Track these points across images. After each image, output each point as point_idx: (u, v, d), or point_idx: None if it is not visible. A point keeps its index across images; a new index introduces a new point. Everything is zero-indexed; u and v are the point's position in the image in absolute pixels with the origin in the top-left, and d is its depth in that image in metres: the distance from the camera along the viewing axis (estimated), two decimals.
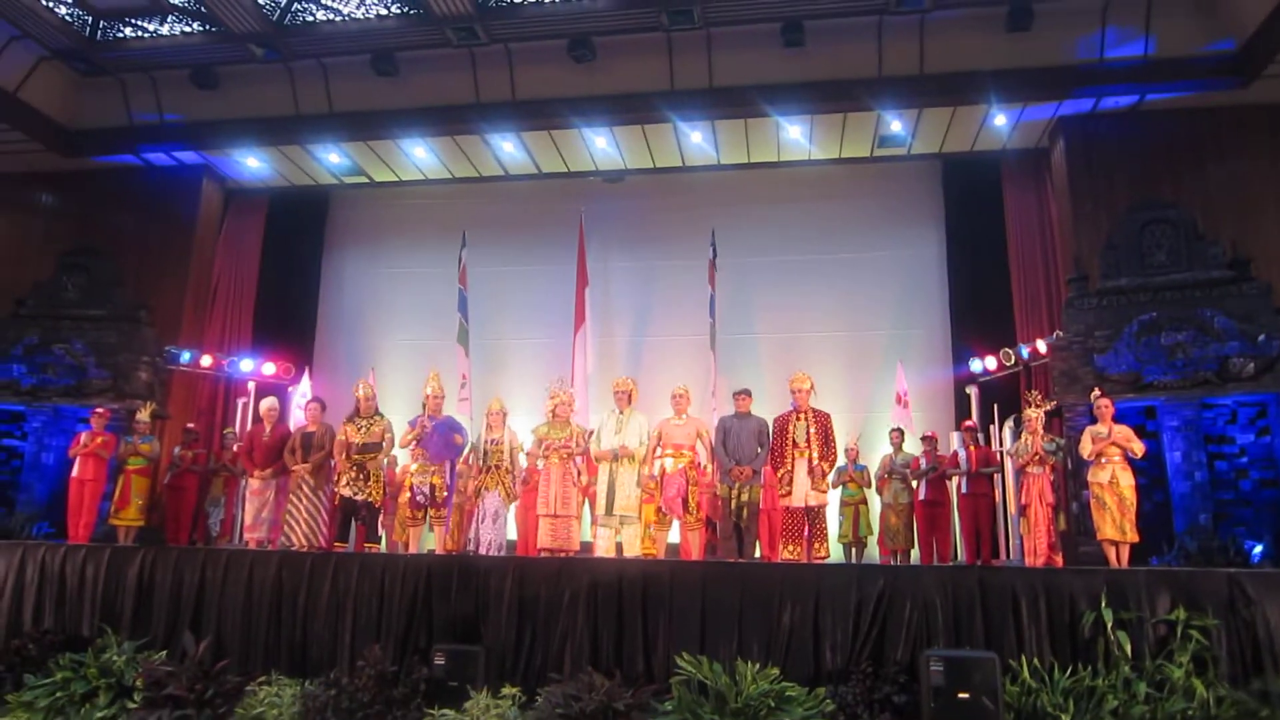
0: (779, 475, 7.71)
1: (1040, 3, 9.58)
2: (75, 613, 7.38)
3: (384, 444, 8.04)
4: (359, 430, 7.94)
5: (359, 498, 7.81)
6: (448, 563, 7.02)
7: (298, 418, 10.19)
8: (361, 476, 7.84)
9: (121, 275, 11.34)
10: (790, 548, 7.58)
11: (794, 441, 7.62)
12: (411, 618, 6.79)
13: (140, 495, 9.28)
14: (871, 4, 9.70)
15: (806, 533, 7.98)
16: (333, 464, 8.21)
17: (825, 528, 7.90)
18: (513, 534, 8.79)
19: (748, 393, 7.99)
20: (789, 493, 7.62)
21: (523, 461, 8.47)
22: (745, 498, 7.66)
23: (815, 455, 7.57)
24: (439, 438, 7.93)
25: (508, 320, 12.36)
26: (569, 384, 9.22)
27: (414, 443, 8.04)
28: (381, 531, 9.63)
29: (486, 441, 8.11)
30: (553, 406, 8.11)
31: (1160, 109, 10.26)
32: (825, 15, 9.88)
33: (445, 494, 8.07)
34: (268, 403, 8.69)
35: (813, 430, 7.61)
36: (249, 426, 10.35)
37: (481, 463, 8.10)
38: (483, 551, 7.70)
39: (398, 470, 9.32)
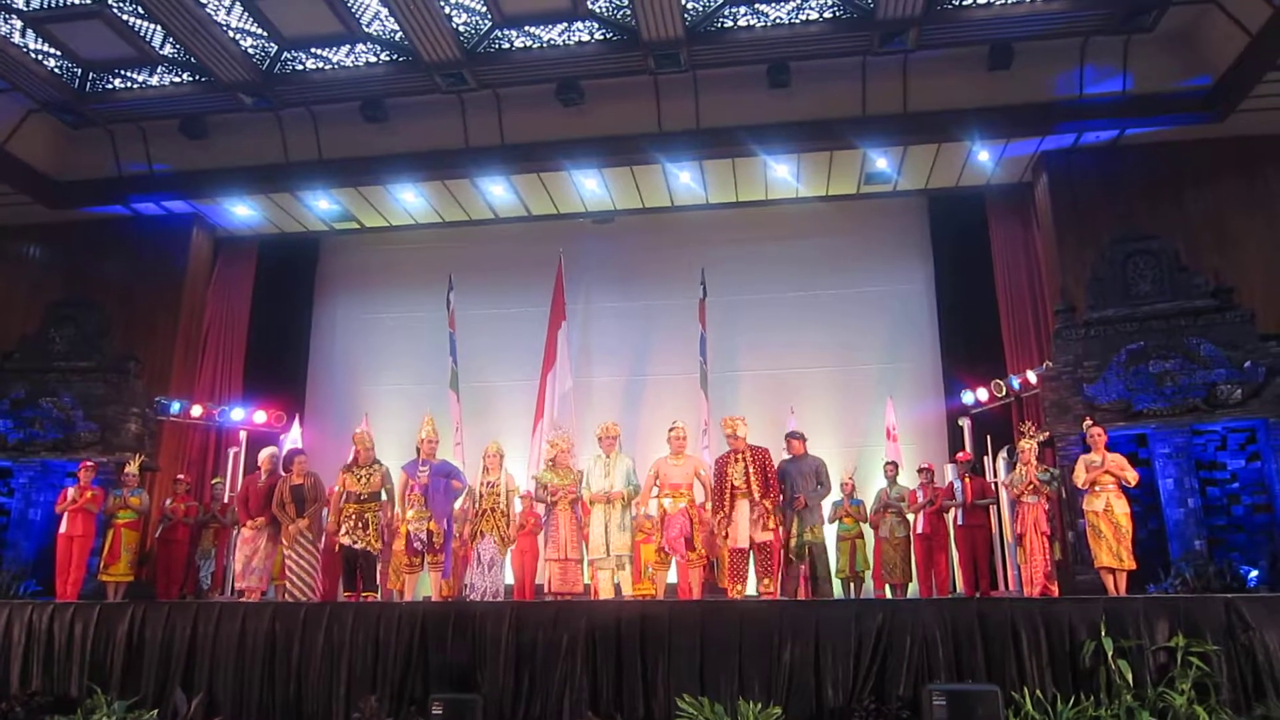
0: (717, 519, 7.62)
1: (1020, 41, 9.78)
2: (64, 672, 7.23)
3: (384, 492, 8.00)
4: (358, 480, 7.91)
5: (358, 546, 7.75)
6: (443, 610, 6.95)
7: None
8: (360, 525, 7.79)
9: (110, 326, 11.27)
10: (737, 588, 7.46)
11: (732, 484, 7.54)
12: (407, 667, 6.69)
13: (130, 549, 9.11)
14: (855, 45, 9.89)
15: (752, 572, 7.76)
16: (324, 514, 8.15)
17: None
18: (509, 578, 8.71)
19: (801, 436, 7.97)
20: (729, 535, 7.53)
21: (518, 506, 8.42)
22: (809, 537, 7.61)
23: (756, 493, 7.49)
24: (442, 496, 7.91)
25: (498, 363, 12.33)
26: (567, 429, 9.20)
27: (409, 490, 7.99)
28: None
29: (483, 484, 8.07)
30: (555, 454, 8.13)
31: (1140, 143, 10.45)
32: (810, 56, 10.06)
33: (442, 540, 8.00)
34: (267, 451, 8.59)
35: (751, 470, 7.54)
36: (239, 477, 10.22)
37: (476, 505, 8.04)
38: (477, 599, 7.63)
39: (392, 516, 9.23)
